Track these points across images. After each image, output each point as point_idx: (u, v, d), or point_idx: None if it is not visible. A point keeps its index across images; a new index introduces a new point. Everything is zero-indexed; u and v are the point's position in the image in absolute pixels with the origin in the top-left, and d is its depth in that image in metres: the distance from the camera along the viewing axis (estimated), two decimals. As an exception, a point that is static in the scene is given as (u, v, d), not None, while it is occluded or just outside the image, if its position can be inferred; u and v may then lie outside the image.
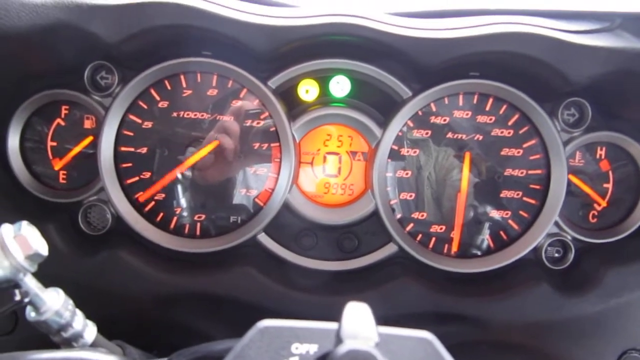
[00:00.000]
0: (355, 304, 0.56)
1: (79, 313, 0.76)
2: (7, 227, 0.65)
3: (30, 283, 0.69)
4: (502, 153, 1.24)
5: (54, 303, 0.73)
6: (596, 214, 1.27)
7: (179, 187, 1.26)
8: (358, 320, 0.53)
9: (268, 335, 0.60)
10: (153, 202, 1.25)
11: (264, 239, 1.25)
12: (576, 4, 1.08)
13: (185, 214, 1.27)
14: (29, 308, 0.73)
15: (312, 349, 0.58)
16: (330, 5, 1.18)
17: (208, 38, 1.11)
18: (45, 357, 0.71)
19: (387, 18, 1.13)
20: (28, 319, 0.75)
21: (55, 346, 0.76)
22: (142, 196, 1.24)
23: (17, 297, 0.68)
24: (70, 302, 0.75)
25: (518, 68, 1.14)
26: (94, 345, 0.77)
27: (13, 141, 1.22)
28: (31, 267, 0.67)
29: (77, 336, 0.76)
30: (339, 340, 0.50)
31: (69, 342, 0.75)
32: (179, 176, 1.26)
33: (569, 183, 1.24)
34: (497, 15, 1.15)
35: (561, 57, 1.07)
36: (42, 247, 0.67)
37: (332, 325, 0.56)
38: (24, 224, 0.67)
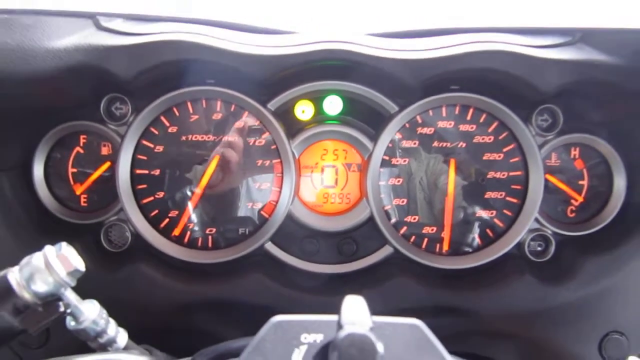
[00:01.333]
0: (351, 296, 0.62)
1: (111, 321, 0.82)
2: (49, 248, 0.71)
3: (71, 296, 0.75)
4: (485, 158, 1.29)
5: (90, 313, 0.79)
6: (574, 209, 1.32)
7: (190, 204, 1.30)
8: (355, 310, 0.60)
9: (280, 328, 0.65)
10: (168, 219, 1.30)
11: (270, 247, 1.29)
12: (541, 21, 1.12)
13: (197, 228, 1.32)
14: (69, 318, 0.78)
15: (319, 337, 0.64)
16: (320, 31, 1.23)
17: (211, 68, 1.17)
18: (91, 359, 0.76)
19: (371, 41, 1.18)
20: (68, 327, 0.80)
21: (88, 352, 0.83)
22: (176, 230, 1.30)
23: (61, 309, 0.74)
24: (104, 311, 0.81)
25: (493, 81, 1.18)
26: (125, 349, 0.83)
27: (38, 170, 1.27)
28: (72, 282, 0.73)
29: (111, 341, 0.81)
30: (339, 327, 0.57)
31: (105, 347, 0.81)
32: (188, 194, 1.30)
33: (547, 182, 1.29)
34: (469, 33, 1.18)
35: (529, 70, 1.12)
36: (80, 264, 0.73)
37: (334, 317, 0.61)
38: (64, 244, 0.73)
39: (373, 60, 1.15)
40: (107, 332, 0.82)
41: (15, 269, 0.72)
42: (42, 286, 0.71)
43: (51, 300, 0.73)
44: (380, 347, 0.58)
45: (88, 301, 0.79)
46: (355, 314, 0.61)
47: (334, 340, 0.58)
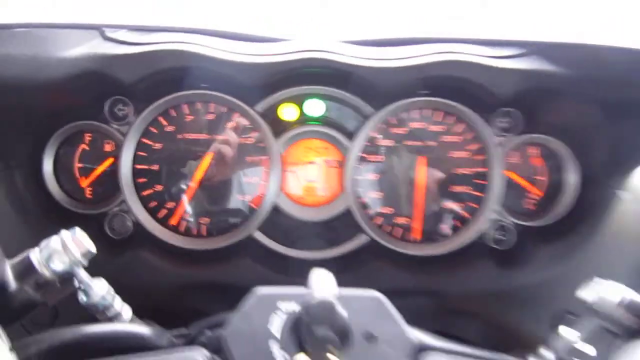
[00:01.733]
0: (318, 269, 0.71)
1: (117, 297, 0.90)
2: (65, 232, 0.80)
3: (83, 274, 0.83)
4: (452, 155, 1.36)
5: (100, 289, 0.86)
6: (534, 202, 1.39)
7: (185, 197, 1.37)
8: (323, 281, 0.69)
9: (262, 298, 0.74)
10: (165, 210, 1.37)
11: (258, 235, 1.36)
12: (499, 34, 1.20)
13: (191, 218, 1.38)
14: (81, 293, 0.85)
15: (293, 305, 0.72)
16: (303, 40, 1.29)
17: (205, 74, 1.24)
18: (105, 328, 0.83)
19: (348, 50, 1.24)
20: (80, 302, 0.86)
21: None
22: (173, 220, 1.37)
23: (75, 285, 0.82)
24: (111, 288, 0.89)
25: (457, 87, 1.25)
26: (131, 322, 0.91)
27: (47, 165, 1.34)
28: (84, 261, 0.81)
29: (117, 315, 0.89)
30: (309, 296, 0.66)
31: (111, 320, 0.89)
32: (184, 187, 1.36)
33: (508, 177, 1.36)
34: (436, 43, 1.25)
35: (488, 78, 1.20)
36: (92, 246, 0.82)
37: (307, 290, 0.70)
38: (77, 229, 0.82)
39: (350, 68, 1.22)
40: (114, 306, 0.89)
41: (36, 249, 0.79)
42: (59, 265, 0.78)
43: (66, 277, 0.81)
44: (343, 312, 0.66)
45: (97, 279, 0.87)
46: (323, 285, 0.69)
47: (305, 307, 0.66)
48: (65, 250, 0.79)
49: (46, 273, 0.78)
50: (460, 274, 1.33)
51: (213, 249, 1.36)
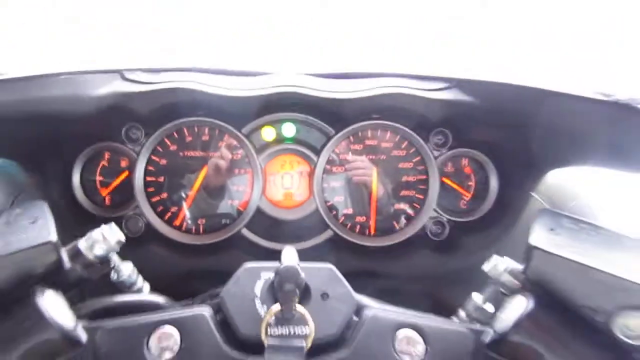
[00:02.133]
0: (288, 248, 0.84)
1: (140, 276, 1.01)
2: (104, 226, 0.91)
3: (116, 258, 0.93)
4: (399, 166, 1.49)
5: (127, 269, 0.98)
6: (464, 202, 1.52)
7: (186, 202, 1.47)
8: (290, 255, 0.80)
9: (247, 271, 0.84)
10: (170, 213, 1.47)
11: (245, 232, 1.47)
12: (430, 71, 1.33)
13: (191, 219, 1.49)
14: (113, 272, 0.95)
15: (270, 274, 0.82)
16: (280, 75, 1.38)
17: (201, 105, 1.35)
18: (132, 297, 0.93)
19: (314, 83, 1.34)
20: (112, 279, 0.95)
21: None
22: (176, 221, 1.47)
23: (111, 265, 0.92)
24: (135, 269, 0.99)
25: (400, 112, 1.37)
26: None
27: (75, 178, 1.45)
28: (117, 248, 0.91)
29: (140, 289, 1.00)
30: (280, 266, 0.76)
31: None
32: (184, 194, 1.46)
33: (443, 183, 1.49)
34: (384, 77, 1.35)
35: (423, 106, 1.33)
36: (122, 237, 0.92)
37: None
38: (113, 224, 0.91)
39: (316, 99, 1.33)
40: (137, 283, 1.00)
41: (83, 239, 0.87)
42: (99, 250, 0.88)
43: (104, 260, 0.90)
44: (303, 274, 0.75)
45: (126, 262, 0.98)
46: (291, 257, 0.79)
47: (277, 272, 0.76)
48: (104, 239, 0.89)
49: (90, 256, 0.87)
50: (405, 260, 1.46)
51: (209, 244, 1.46)
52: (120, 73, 1.29)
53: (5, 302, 0.71)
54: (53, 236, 0.76)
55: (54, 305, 0.73)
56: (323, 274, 0.84)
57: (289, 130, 1.50)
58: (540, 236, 0.78)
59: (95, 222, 1.03)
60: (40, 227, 0.78)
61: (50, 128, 1.29)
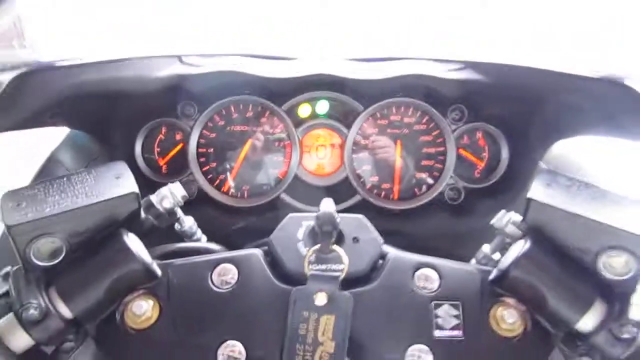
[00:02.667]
0: (326, 199, 0.87)
1: (199, 229, 1.07)
2: (171, 184, 0.97)
3: (180, 211, 0.98)
4: (420, 139, 1.56)
5: (189, 221, 1.04)
6: (478, 171, 1.59)
7: (232, 171, 1.56)
8: (328, 204, 0.84)
9: (291, 219, 0.89)
10: (219, 180, 1.56)
11: (284, 196, 1.56)
12: (447, 55, 1.42)
13: (237, 185, 1.58)
14: (177, 223, 1.02)
15: (311, 222, 0.87)
16: (314, 58, 1.46)
17: (247, 85, 1.45)
18: (195, 244, 1.00)
19: (345, 66, 1.42)
20: (176, 229, 1.02)
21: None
22: (224, 187, 1.56)
23: (177, 216, 0.97)
24: (195, 222, 1.05)
25: (421, 90, 1.45)
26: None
27: (138, 148, 1.56)
28: (182, 202, 0.96)
29: (199, 239, 1.07)
30: (319, 212, 0.82)
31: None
32: (232, 164, 1.55)
33: (460, 154, 1.56)
34: (407, 60, 1.44)
35: (440, 85, 1.40)
36: (185, 194, 0.97)
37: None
38: (177, 183, 0.96)
39: (346, 80, 1.42)
40: (197, 234, 1.07)
41: (154, 195, 0.93)
42: (167, 204, 0.94)
43: (171, 212, 0.95)
44: (338, 219, 0.81)
45: (187, 216, 1.04)
46: (328, 206, 0.84)
47: (317, 216, 0.82)
48: (172, 194, 0.96)
49: (160, 209, 0.93)
50: (425, 221, 1.54)
51: (254, 206, 1.55)
52: (178, 57, 1.41)
53: (95, 242, 0.77)
54: (135, 188, 0.84)
55: (136, 244, 0.80)
56: (355, 222, 0.91)
57: (322, 107, 1.57)
58: (537, 190, 0.84)
59: (155, 187, 1.11)
60: (124, 180, 0.86)
61: (118, 104, 1.39)
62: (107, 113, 1.42)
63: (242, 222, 1.54)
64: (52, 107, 1.23)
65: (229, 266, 0.87)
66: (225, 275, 0.86)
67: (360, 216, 0.92)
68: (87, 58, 1.23)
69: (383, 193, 1.60)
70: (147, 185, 1.45)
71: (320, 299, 0.80)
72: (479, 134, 1.59)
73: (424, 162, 1.58)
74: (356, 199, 1.58)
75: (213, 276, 0.86)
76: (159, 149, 1.59)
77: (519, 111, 1.45)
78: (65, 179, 0.84)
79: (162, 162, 1.60)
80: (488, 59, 1.35)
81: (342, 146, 1.58)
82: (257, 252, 0.87)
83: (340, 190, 1.58)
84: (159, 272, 0.83)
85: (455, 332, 0.82)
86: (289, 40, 1.81)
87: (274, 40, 1.83)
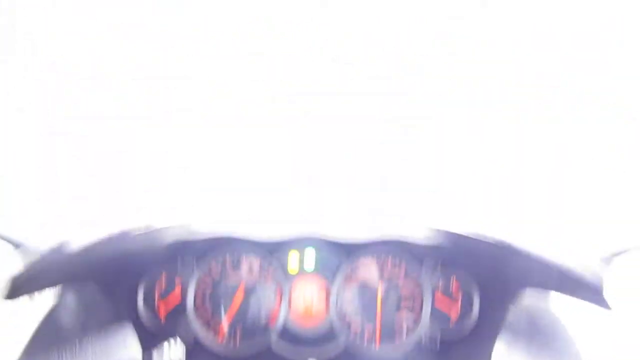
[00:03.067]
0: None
1: None
2: (171, 340, 1.13)
3: None
4: (399, 285, 1.65)
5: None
6: (455, 316, 1.64)
7: (226, 319, 1.64)
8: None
9: None
10: (213, 330, 1.63)
11: (276, 340, 1.63)
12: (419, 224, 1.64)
13: (229, 332, 1.64)
14: None
15: None
16: (303, 224, 1.65)
17: (243, 247, 1.63)
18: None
19: (333, 227, 1.63)
20: None
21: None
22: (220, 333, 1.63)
23: None
24: None
25: (401, 248, 1.64)
26: None
27: (140, 300, 1.62)
28: None
29: None
30: None
31: None
32: (224, 311, 1.63)
33: (435, 301, 1.64)
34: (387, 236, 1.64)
35: (415, 248, 1.61)
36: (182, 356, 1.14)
37: None
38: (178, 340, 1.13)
39: (327, 244, 1.63)
40: None
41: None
42: None
43: None
44: None
45: None
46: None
47: None
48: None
49: None
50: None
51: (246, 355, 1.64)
52: (186, 227, 1.59)
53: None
54: None
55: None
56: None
57: (309, 261, 1.68)
58: None
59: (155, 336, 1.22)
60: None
61: (127, 264, 1.53)
62: (116, 270, 1.52)
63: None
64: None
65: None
66: None
67: None
68: (93, 235, 1.36)
69: (365, 334, 1.65)
70: (149, 336, 1.57)
71: None
72: (453, 283, 1.68)
73: (404, 305, 1.66)
74: (341, 340, 1.64)
75: None
76: (158, 300, 1.64)
77: (484, 268, 1.60)
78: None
79: (162, 314, 1.64)
80: (452, 229, 1.53)
81: (327, 296, 1.66)
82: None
83: (326, 334, 1.65)
84: None
85: None
86: (288, 40, 1.76)
87: (274, 40, 1.77)
